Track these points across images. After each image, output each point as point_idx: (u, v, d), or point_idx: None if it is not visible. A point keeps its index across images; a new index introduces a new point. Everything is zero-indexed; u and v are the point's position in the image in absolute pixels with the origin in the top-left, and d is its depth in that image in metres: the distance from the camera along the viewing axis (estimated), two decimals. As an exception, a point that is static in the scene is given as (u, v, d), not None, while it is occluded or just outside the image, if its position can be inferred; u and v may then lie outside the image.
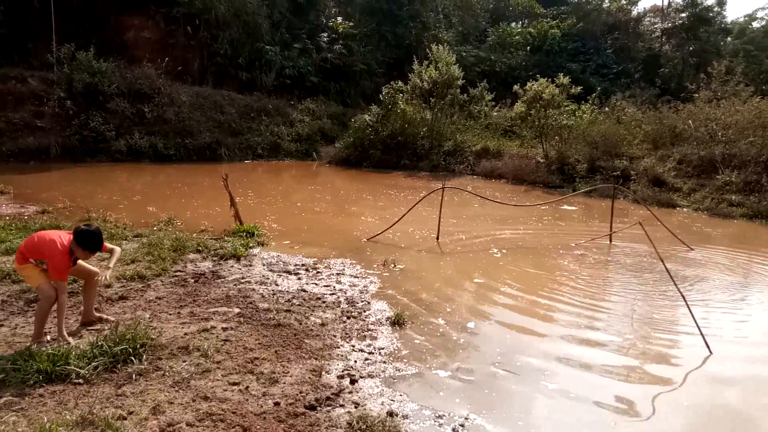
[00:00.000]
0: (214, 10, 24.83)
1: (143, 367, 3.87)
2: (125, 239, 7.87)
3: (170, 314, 5.02)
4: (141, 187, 15.01)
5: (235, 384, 3.78)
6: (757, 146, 14.34)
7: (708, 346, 4.97)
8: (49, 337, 4.32)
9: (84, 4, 23.06)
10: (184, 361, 4.04)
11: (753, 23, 35.17)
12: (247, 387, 3.74)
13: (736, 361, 4.92)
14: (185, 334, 4.57)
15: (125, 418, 3.25)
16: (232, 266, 6.93)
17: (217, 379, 3.82)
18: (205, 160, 21.00)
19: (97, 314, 4.85)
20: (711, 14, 33.09)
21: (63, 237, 4.28)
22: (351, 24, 31.25)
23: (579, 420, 3.76)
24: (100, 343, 3.98)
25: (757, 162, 14.06)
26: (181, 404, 3.45)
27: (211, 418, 3.31)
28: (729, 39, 34.10)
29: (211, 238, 8.22)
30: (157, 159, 20.17)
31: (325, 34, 30.26)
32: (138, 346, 4.04)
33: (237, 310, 5.22)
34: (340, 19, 31.60)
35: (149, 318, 4.88)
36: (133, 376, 3.76)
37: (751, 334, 5.69)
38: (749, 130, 15.03)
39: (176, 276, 6.29)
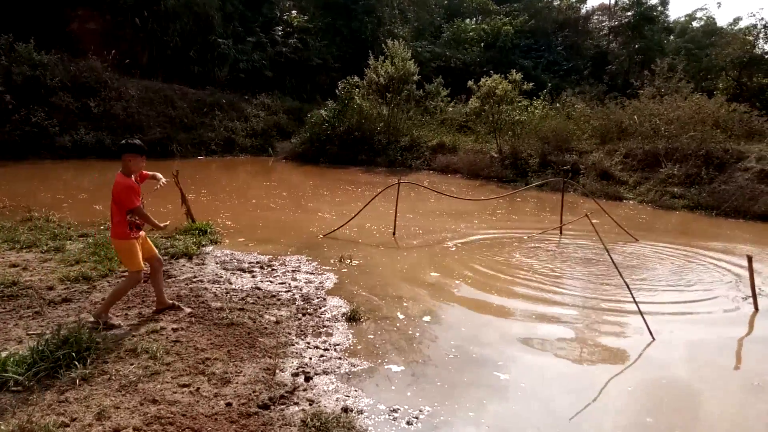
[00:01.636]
0: (163, 2, 24.04)
1: (88, 371, 3.74)
2: (69, 239, 7.57)
3: (117, 316, 4.86)
4: (87, 184, 14.42)
5: (185, 386, 3.69)
6: (697, 141, 15.05)
7: (651, 333, 5.20)
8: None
9: (22, -7, 21.92)
10: (132, 364, 3.92)
11: (693, 23, 36.74)
12: (198, 388, 3.67)
13: (677, 345, 5.16)
14: (133, 336, 4.43)
15: (68, 425, 3.13)
16: (184, 265, 6.76)
17: (167, 382, 3.73)
18: (156, 156, 20.32)
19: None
20: (655, 13, 34.38)
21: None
22: (306, 18, 30.87)
23: (530, 409, 3.86)
24: (40, 348, 3.81)
25: (697, 156, 14.76)
26: (128, 408, 3.35)
27: (159, 421, 3.23)
28: (671, 37, 35.51)
29: (162, 237, 8.00)
30: (105, 155, 19.36)
31: (280, 28, 29.79)
32: (82, 350, 3.89)
33: (188, 310, 5.10)
34: (294, 12, 31.14)
35: (94, 321, 4.70)
36: (77, 381, 3.62)
37: (692, 319, 5.99)
38: (690, 125, 15.75)
39: (124, 276, 6.08)
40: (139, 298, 5.38)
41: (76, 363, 3.77)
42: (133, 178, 4.61)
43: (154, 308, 5.05)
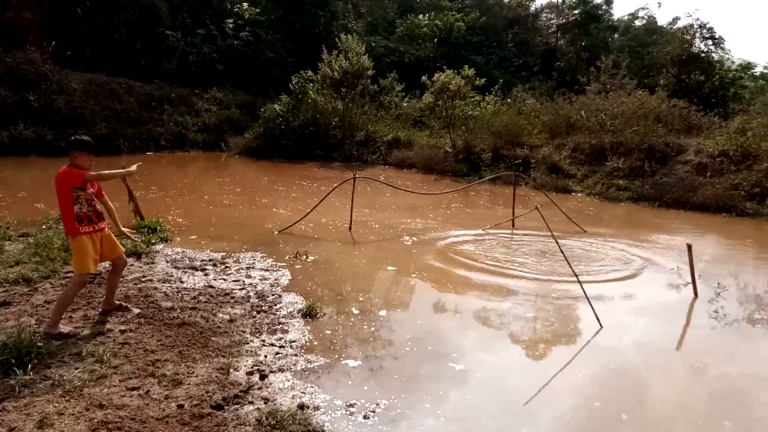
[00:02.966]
0: (107, -9, 23.08)
1: (28, 377, 3.56)
2: (9, 240, 7.18)
3: (61, 319, 4.63)
4: (28, 182, 13.73)
5: (134, 389, 3.57)
6: (640, 135, 15.68)
7: (599, 320, 5.39)
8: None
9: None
10: (77, 369, 3.76)
11: (635, 21, 38.11)
12: (148, 391, 3.55)
13: (624, 332, 5.37)
14: (78, 339, 4.25)
15: (7, 435, 2.97)
16: (132, 264, 6.53)
17: (114, 385, 3.59)
18: (102, 152, 19.43)
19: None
20: (600, 12, 35.52)
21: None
22: (258, 11, 30.26)
23: (485, 398, 3.94)
24: (-25, 355, 3.61)
25: (640, 149, 15.39)
26: (73, 414, 3.21)
27: (107, 426, 3.11)
28: (616, 35, 36.75)
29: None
30: (47, 152, 18.44)
31: (231, 21, 29.08)
32: (22, 355, 3.70)
33: (137, 311, 4.93)
34: (246, 5, 30.45)
35: (35, 324, 4.48)
36: (17, 388, 3.43)
37: (637, 306, 6.25)
38: (633, 120, 16.38)
39: (68, 278, 5.82)
40: (84, 300, 5.16)
41: (16, 369, 3.59)
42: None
43: (101, 309, 4.86)
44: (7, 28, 21.18)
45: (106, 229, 4.61)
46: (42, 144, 18.59)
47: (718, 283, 6.94)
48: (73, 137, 4.42)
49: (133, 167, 4.75)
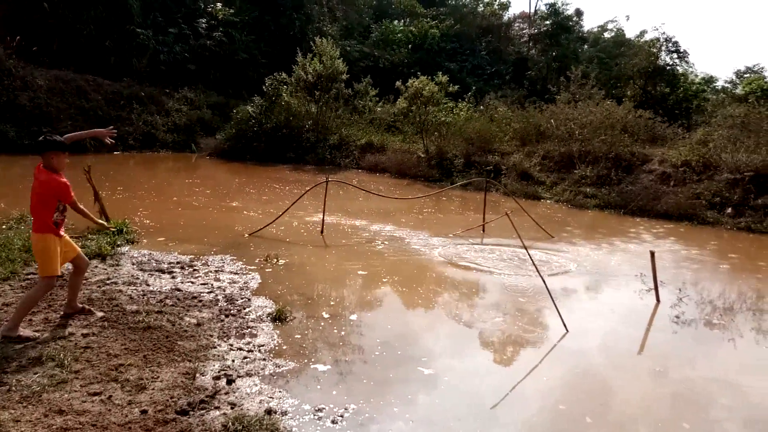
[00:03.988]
0: (76, -14, 22.52)
1: (-17, 383, 3.44)
2: (-35, 240, 6.91)
3: (21, 321, 4.49)
4: (-13, 180, 13.28)
5: (96, 394, 3.47)
6: (607, 144, 16.06)
7: (565, 325, 5.49)
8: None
9: None
10: (36, 374, 3.64)
11: (605, 33, 39.09)
12: (110, 396, 3.46)
13: (589, 336, 5.49)
14: (38, 343, 4.12)
15: (-41, 443, 2.86)
16: (96, 266, 6.37)
17: (75, 390, 3.49)
18: (67, 150, 19.03)
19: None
20: (571, 23, 36.31)
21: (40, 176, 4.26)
22: (232, 11, 29.95)
23: (453, 401, 3.97)
24: (-73, 360, 3.47)
25: (608, 158, 15.76)
26: (30, 421, 3.10)
27: (66, 433, 3.03)
28: (585, 47, 37.62)
29: (73, 237, 7.47)
30: (9, 150, 17.86)
31: (204, 20, 28.70)
32: (-23, 361, 3.58)
33: (100, 314, 4.80)
34: (219, 5, 30.12)
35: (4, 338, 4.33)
36: (-30, 394, 3.32)
37: (602, 311, 6.39)
38: (601, 129, 16.77)
39: (28, 279, 5.65)
40: (45, 302, 5.00)
41: (-30, 374, 3.46)
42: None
43: (62, 312, 4.72)
44: (-31, 22, 20.50)
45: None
46: (4, 141, 18.02)
47: (680, 289, 7.15)
48: (47, 137, 4.35)
49: (106, 131, 4.99)
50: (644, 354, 5.35)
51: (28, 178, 4.32)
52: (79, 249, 4.75)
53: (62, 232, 4.45)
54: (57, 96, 20.71)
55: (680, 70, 28.75)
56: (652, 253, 6.60)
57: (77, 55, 23.45)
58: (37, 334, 4.27)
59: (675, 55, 28.31)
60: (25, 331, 4.22)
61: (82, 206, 4.55)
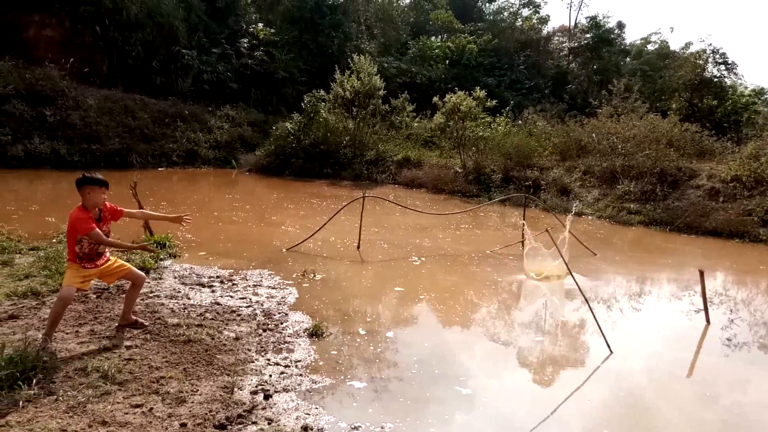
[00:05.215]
0: (126, 10, 23.57)
1: (33, 392, 3.54)
2: (19, 253, 7.23)
3: (67, 333, 4.65)
4: (40, 196, 13.89)
5: (137, 406, 3.54)
6: (652, 159, 15.61)
7: (609, 346, 5.30)
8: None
9: (-25, -4, 21.14)
10: (81, 384, 3.74)
11: (648, 46, 38.30)
12: (151, 408, 3.52)
13: (634, 358, 5.28)
14: (83, 354, 4.24)
15: (8, 451, 2.96)
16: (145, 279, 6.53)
17: (118, 402, 3.57)
18: (114, 167, 19.76)
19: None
20: (612, 36, 35.73)
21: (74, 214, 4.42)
22: (272, 31, 30.75)
23: (491, 423, 3.87)
24: (-19, 369, 3.61)
25: (652, 173, 15.31)
26: (75, 431, 3.18)
27: (109, 444, 3.09)
28: (628, 59, 36.93)
29: (117, 251, 7.73)
30: (60, 166, 18.71)
31: (246, 40, 29.57)
32: (27, 370, 3.70)
33: (148, 324, 4.92)
34: (261, 25, 30.97)
35: (42, 338, 4.48)
36: (20, 402, 3.42)
37: (648, 332, 6.15)
38: (645, 143, 16.33)
39: (76, 292, 5.84)
40: (91, 315, 5.17)
41: (21, 383, 3.58)
42: (96, 212, 4.51)
43: (117, 324, 4.90)
44: (28, 46, 21.70)
45: (107, 262, 4.72)
46: (56, 158, 18.86)
47: (731, 310, 6.82)
48: (84, 174, 4.52)
49: (186, 217, 5.41)
50: (693, 378, 5.10)
51: (76, 193, 4.48)
52: (128, 266, 4.88)
53: (95, 265, 4.58)
54: (106, 114, 21.60)
55: (728, 82, 27.87)
56: (701, 272, 6.33)
57: (125, 76, 24.51)
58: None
59: (723, 67, 27.48)
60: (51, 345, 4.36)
61: (101, 238, 4.48)
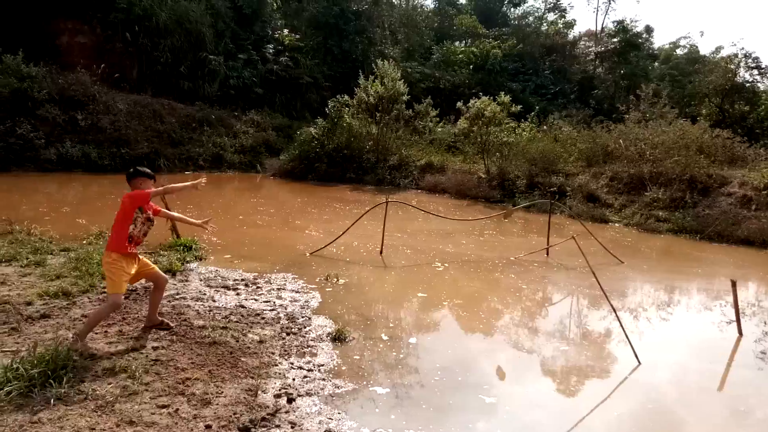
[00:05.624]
0: (155, 17, 24.11)
1: (63, 390, 3.62)
2: (51, 253, 7.42)
3: (96, 333, 4.74)
4: (71, 198, 14.25)
5: (164, 406, 3.59)
6: (681, 165, 15.26)
7: (637, 356, 5.18)
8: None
9: (11, 5, 21.84)
10: (109, 384, 3.81)
11: (677, 50, 37.64)
12: (177, 409, 3.57)
13: (663, 369, 5.15)
14: (112, 354, 4.33)
15: (40, 448, 3.02)
16: (167, 282, 6.64)
17: (145, 402, 3.63)
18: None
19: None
20: (640, 40, 35.20)
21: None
22: (297, 37, 31.09)
23: (515, 433, 3.81)
24: (15, 366, 3.70)
25: (681, 180, 14.97)
26: (103, 430, 3.24)
27: (136, 444, 3.13)
28: (656, 64, 36.32)
29: (146, 252, 7.87)
30: (91, 169, 19.21)
31: (271, 46, 29.97)
32: (58, 368, 3.78)
33: (172, 325, 5.00)
34: (286, 31, 31.34)
35: (72, 338, 4.58)
36: (51, 400, 3.50)
37: (676, 342, 6.00)
38: (674, 150, 15.98)
39: (105, 292, 5.96)
40: (120, 315, 5.26)
41: (52, 382, 3.66)
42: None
43: (143, 325, 4.98)
44: (61, 52, 22.35)
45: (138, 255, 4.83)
46: (87, 161, 19.35)
47: (765, 322, 6.62)
48: (136, 168, 4.86)
49: (202, 180, 5.25)
50: (725, 391, 4.96)
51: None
52: (155, 268, 4.97)
53: (135, 250, 4.68)
54: (135, 119, 22.09)
55: (761, 87, 27.15)
56: (734, 283, 6.16)
57: (154, 81, 25.04)
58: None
59: (755, 72, 26.85)
60: (87, 343, 4.44)
61: (165, 186, 4.98)
